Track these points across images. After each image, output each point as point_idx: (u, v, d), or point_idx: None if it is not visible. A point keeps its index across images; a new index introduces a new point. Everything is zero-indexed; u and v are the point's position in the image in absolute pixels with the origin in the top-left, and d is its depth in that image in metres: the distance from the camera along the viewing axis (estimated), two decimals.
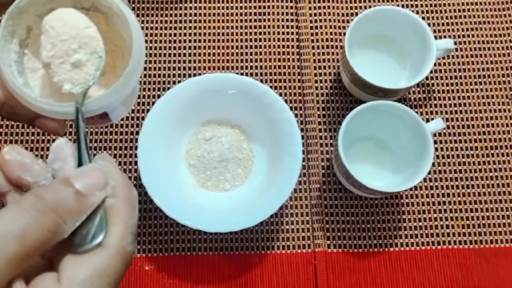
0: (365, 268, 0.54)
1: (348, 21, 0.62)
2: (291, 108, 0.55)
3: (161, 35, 0.61)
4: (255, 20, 0.62)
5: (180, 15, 0.62)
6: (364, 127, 0.54)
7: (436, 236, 0.55)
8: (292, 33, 0.61)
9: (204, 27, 0.62)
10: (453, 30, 0.62)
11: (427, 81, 0.60)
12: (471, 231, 0.55)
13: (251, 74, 0.60)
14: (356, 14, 0.62)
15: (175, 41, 0.61)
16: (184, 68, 0.60)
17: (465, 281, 0.53)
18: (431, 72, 0.59)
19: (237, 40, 0.61)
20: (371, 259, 0.54)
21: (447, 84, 0.60)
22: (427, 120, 0.58)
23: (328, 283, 0.53)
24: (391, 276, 0.54)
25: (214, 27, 0.62)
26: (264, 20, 0.62)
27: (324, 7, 0.62)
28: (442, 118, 0.58)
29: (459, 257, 0.54)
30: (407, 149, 0.53)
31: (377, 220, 0.55)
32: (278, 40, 0.61)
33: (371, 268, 0.54)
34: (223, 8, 0.63)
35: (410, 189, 0.56)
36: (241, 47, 0.61)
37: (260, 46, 0.61)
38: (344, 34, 0.54)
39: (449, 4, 0.63)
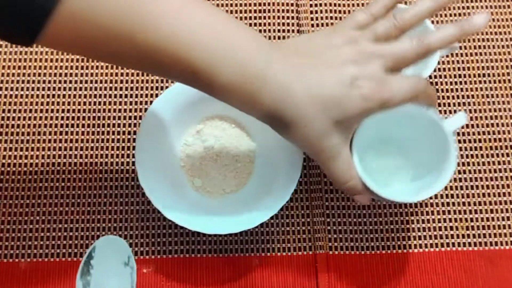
0: (367, 271, 0.53)
1: None
2: None
3: None
4: (255, 18, 0.61)
5: None
6: (377, 131, 0.48)
7: (440, 238, 0.54)
8: (293, 31, 0.61)
9: None
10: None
11: (431, 80, 0.59)
12: (475, 232, 0.54)
13: None
14: None
15: None
16: None
17: (469, 284, 0.53)
18: (434, 70, 0.59)
19: None
20: (373, 261, 0.53)
21: (451, 83, 0.59)
22: None
23: (330, 286, 0.52)
24: (393, 278, 0.53)
25: None
26: (264, 18, 0.61)
27: (325, 4, 0.61)
28: (446, 118, 0.57)
29: (463, 259, 0.53)
30: (426, 153, 0.48)
31: (379, 221, 0.54)
32: (279, 38, 0.60)
33: (373, 271, 0.53)
34: (222, 5, 0.62)
35: None
36: None
37: None
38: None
39: (452, 1, 0.62)
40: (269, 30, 0.61)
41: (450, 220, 0.55)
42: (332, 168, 0.42)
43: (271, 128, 0.53)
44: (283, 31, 0.61)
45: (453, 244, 0.54)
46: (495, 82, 0.59)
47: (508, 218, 0.55)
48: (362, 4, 0.62)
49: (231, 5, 0.61)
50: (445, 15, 0.61)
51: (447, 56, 0.60)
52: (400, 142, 0.51)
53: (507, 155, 0.57)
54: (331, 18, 0.61)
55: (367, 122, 0.43)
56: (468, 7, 0.62)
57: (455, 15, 0.61)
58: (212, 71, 0.37)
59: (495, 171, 0.56)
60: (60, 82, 0.58)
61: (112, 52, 0.37)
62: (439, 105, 0.58)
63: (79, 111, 0.57)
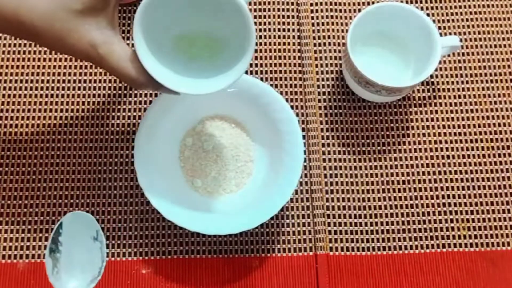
0: (368, 272, 0.52)
1: (351, 18, 0.60)
2: (292, 107, 0.53)
3: None
4: (255, 17, 0.61)
5: None
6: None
7: (441, 238, 0.53)
8: (293, 30, 0.60)
9: None
10: (458, 27, 0.60)
11: (432, 80, 0.59)
12: (477, 233, 0.54)
13: (251, 72, 0.59)
14: (359, 10, 0.60)
15: None
16: None
17: (471, 285, 0.52)
18: (436, 70, 0.58)
19: None
20: (374, 262, 0.53)
21: (452, 83, 0.59)
22: (432, 120, 0.57)
23: (330, 287, 0.52)
24: (395, 280, 0.52)
25: None
26: (264, 17, 0.61)
27: (326, 3, 0.61)
28: (448, 118, 0.57)
29: (465, 260, 0.53)
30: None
31: (380, 222, 0.54)
32: (279, 37, 0.60)
33: (374, 272, 0.53)
34: None
35: (415, 190, 0.55)
36: None
37: (260, 43, 0.60)
38: (347, 31, 0.53)
39: (454, 0, 0.61)
40: (269, 29, 0.60)
41: (452, 220, 0.54)
42: (112, 68, 0.41)
43: (270, 129, 0.52)
44: (283, 30, 0.60)
45: (455, 244, 0.53)
46: (496, 81, 0.59)
47: (510, 219, 0.54)
48: (363, 3, 0.61)
49: None
50: (446, 14, 0.61)
51: (448, 56, 0.59)
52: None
53: (509, 154, 0.56)
54: (332, 17, 0.60)
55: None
56: (469, 6, 0.61)
57: (456, 13, 0.61)
58: None
59: (496, 171, 0.56)
60: (58, 81, 0.58)
61: None
62: (440, 105, 0.58)
63: (77, 111, 0.57)
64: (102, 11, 0.40)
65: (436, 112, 0.58)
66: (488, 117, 0.57)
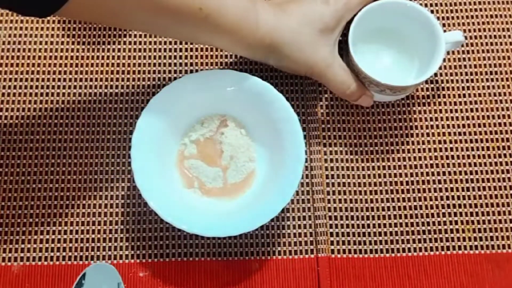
0: (370, 274, 0.52)
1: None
2: (292, 106, 0.52)
3: None
4: None
5: None
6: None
7: (445, 241, 0.53)
8: None
9: None
10: (463, 24, 0.59)
11: (437, 78, 0.57)
12: (481, 235, 0.53)
13: (251, 71, 0.58)
14: None
15: None
16: (180, 64, 0.58)
17: None
18: (440, 68, 0.57)
19: None
20: (376, 265, 0.52)
21: (457, 81, 0.58)
22: (436, 119, 0.56)
23: None
24: (398, 282, 0.52)
25: None
26: None
27: None
28: (452, 117, 0.56)
29: (469, 263, 0.52)
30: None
31: (383, 224, 0.53)
32: None
33: (377, 274, 0.52)
34: None
35: (418, 190, 0.54)
36: None
37: None
38: (348, 28, 0.52)
39: None
40: None
41: (456, 222, 0.53)
42: (332, 75, 0.51)
43: (271, 128, 0.52)
44: None
45: (459, 247, 0.52)
46: (502, 80, 0.58)
47: None
48: None
49: None
50: (450, 11, 0.60)
51: (453, 53, 0.58)
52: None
53: None
54: None
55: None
56: (473, 2, 0.60)
57: (460, 10, 0.60)
58: (221, 12, 0.46)
59: (502, 171, 0.55)
60: (54, 80, 0.57)
61: (129, 10, 0.43)
62: (445, 104, 0.57)
63: (73, 109, 0.56)
64: (333, 30, 0.51)
65: (441, 111, 0.56)
66: (493, 116, 0.56)
